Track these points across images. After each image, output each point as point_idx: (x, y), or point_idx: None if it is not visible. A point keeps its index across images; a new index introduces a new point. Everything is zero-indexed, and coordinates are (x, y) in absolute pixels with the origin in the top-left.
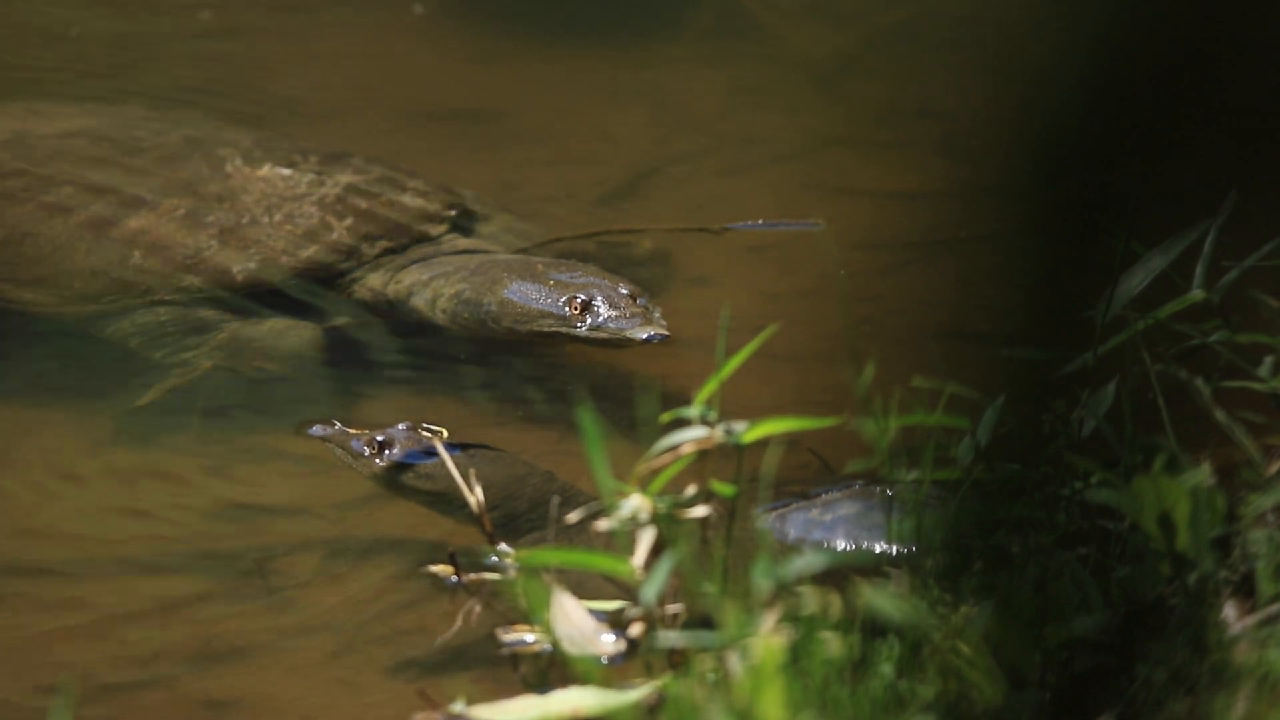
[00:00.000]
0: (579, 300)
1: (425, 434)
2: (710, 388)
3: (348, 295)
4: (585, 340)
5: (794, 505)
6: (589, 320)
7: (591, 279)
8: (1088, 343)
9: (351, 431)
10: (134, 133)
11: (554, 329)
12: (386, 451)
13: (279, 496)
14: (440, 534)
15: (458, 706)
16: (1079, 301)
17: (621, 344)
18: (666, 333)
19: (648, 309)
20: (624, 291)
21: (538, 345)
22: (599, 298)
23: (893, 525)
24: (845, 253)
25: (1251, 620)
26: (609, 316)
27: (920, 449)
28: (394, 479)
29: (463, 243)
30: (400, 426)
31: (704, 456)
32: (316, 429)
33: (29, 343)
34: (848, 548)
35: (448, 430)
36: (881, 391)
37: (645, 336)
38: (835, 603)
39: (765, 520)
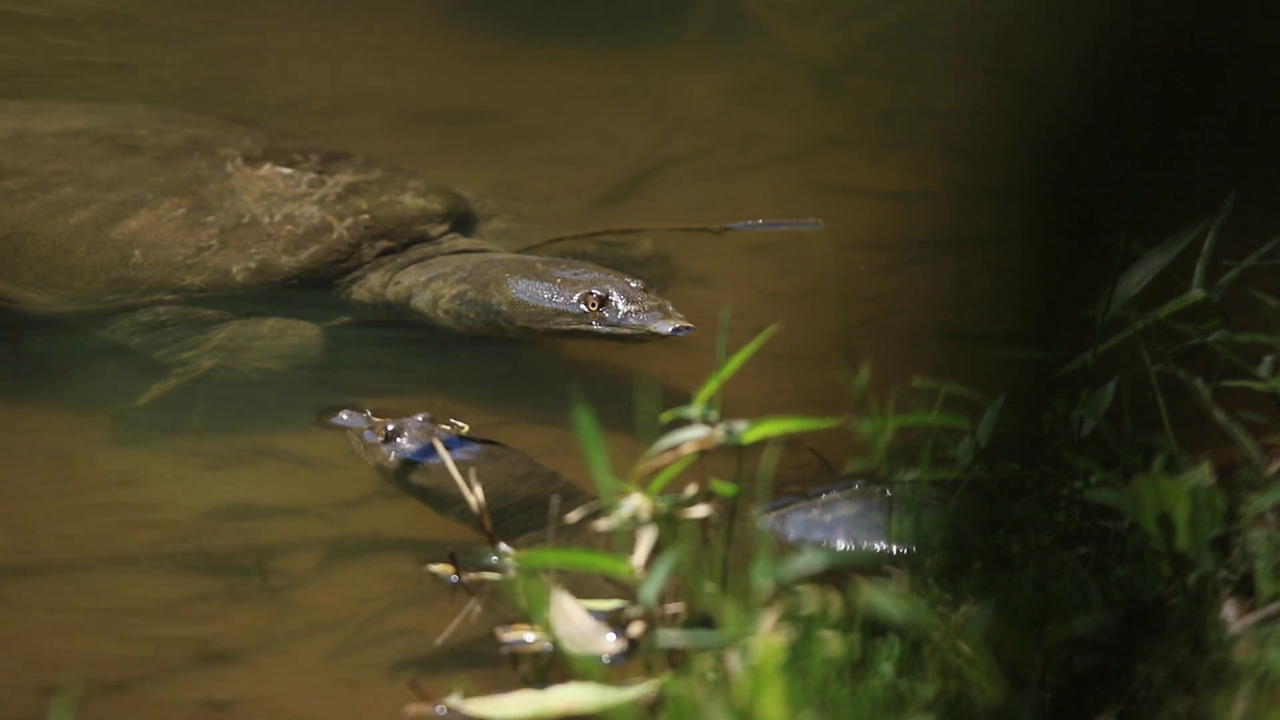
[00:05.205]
0: (595, 295)
1: (443, 428)
2: (710, 387)
3: (348, 295)
4: (605, 337)
5: (794, 505)
6: (606, 316)
7: (599, 274)
8: (1088, 343)
9: (376, 420)
10: (134, 132)
11: (571, 326)
12: (395, 441)
13: (279, 496)
14: (440, 533)
15: (452, 700)
16: (1079, 301)
17: (645, 339)
18: (691, 325)
19: (663, 303)
20: (636, 285)
21: (550, 343)
22: (614, 292)
23: (892, 525)
24: (845, 253)
25: (1251, 620)
26: (628, 311)
27: (920, 449)
28: (395, 471)
29: (463, 242)
30: (417, 418)
31: (704, 456)
32: (343, 416)
33: (28, 343)
34: (848, 548)
35: (468, 425)
36: (882, 391)
37: (671, 330)
38: (835, 602)
39: (765, 520)
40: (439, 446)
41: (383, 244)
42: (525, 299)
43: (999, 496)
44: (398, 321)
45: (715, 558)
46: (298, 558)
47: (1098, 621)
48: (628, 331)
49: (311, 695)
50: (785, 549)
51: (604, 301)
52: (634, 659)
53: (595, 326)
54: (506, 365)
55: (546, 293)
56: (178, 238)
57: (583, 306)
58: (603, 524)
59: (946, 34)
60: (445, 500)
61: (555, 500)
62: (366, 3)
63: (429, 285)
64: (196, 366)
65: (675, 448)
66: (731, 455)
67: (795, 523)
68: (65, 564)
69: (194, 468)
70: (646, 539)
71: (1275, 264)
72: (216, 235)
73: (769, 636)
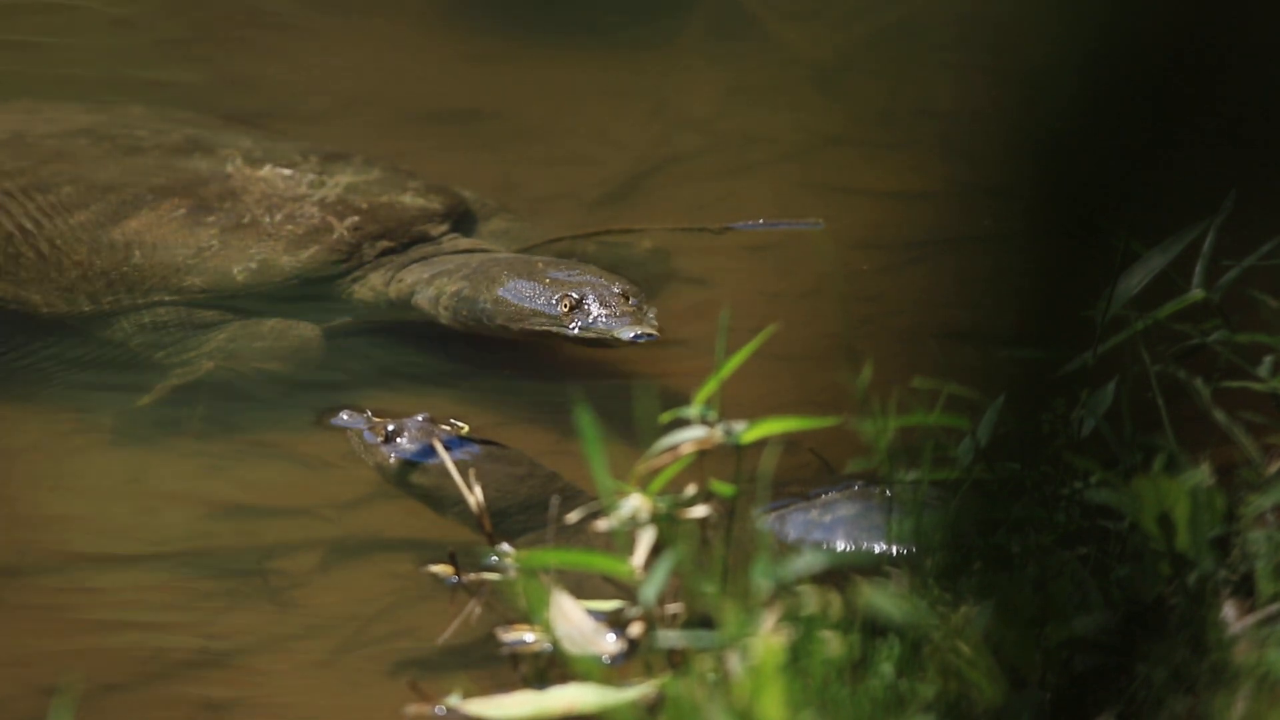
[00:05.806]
0: (570, 298)
1: (443, 428)
2: (710, 387)
3: (348, 295)
4: (575, 340)
5: (794, 505)
6: (579, 319)
7: (587, 278)
8: (1088, 343)
9: (376, 420)
10: (134, 132)
11: (545, 328)
12: (395, 441)
13: (279, 496)
14: (440, 533)
15: (452, 700)
16: (1079, 301)
17: (609, 344)
18: (655, 332)
19: (640, 308)
20: (617, 290)
21: (532, 344)
22: (590, 296)
23: (892, 525)
24: (845, 253)
25: (1251, 620)
26: (599, 315)
27: (920, 449)
28: (395, 471)
29: (464, 243)
30: (417, 418)
31: (703, 457)
32: (343, 416)
33: (29, 342)
34: (848, 548)
35: (468, 425)
36: (882, 391)
37: (632, 336)
38: (835, 603)
39: (765, 520)
40: (439, 446)
41: (383, 244)
42: (508, 298)
43: (999, 496)
44: (398, 321)
45: (715, 558)
46: (298, 558)
47: (1098, 621)
48: (594, 336)
49: (311, 695)
50: (785, 549)
51: (577, 305)
52: (634, 659)
53: (567, 328)
54: (507, 366)
55: (530, 292)
56: (178, 238)
57: (558, 308)
58: (603, 524)
59: (946, 34)
60: (445, 500)
61: (555, 500)
62: (366, 2)
63: (433, 282)
64: (197, 367)
65: (675, 448)
66: (731, 455)
67: (795, 523)
68: (65, 564)
69: (194, 468)
70: (646, 539)
71: (1275, 264)
72: (217, 236)
73: (769, 637)
